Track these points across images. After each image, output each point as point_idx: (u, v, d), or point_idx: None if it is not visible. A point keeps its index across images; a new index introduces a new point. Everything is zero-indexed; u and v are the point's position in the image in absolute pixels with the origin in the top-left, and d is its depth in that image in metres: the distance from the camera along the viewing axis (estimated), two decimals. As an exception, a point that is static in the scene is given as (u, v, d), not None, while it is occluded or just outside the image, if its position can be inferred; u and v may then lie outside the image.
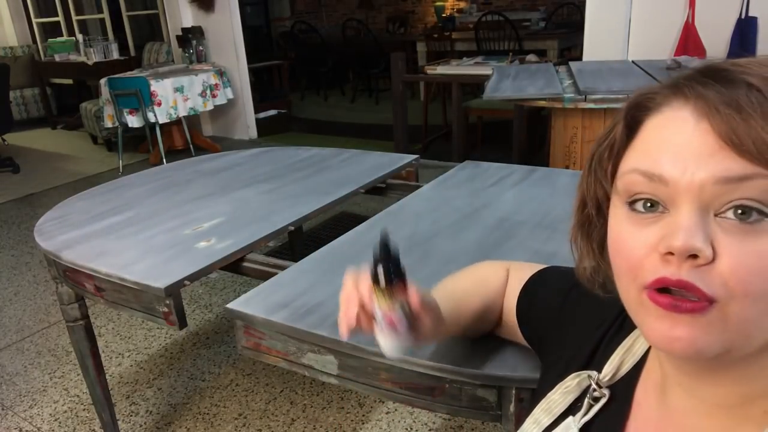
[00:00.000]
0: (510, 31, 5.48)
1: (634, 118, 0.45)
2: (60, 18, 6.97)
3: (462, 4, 8.23)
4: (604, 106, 2.24)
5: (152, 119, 4.50)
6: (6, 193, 4.49)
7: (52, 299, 2.75)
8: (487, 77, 2.84)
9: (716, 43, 3.14)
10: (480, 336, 0.83)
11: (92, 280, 1.28)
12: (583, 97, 2.22)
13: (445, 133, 4.83)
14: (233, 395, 2.01)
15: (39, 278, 3.01)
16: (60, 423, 1.94)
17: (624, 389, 0.53)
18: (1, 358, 2.33)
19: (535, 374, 0.78)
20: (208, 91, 4.84)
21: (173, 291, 1.14)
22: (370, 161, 1.87)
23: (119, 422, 1.86)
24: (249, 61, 5.50)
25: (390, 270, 0.60)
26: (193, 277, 1.17)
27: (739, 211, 0.38)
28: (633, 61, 2.95)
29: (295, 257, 1.27)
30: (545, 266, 0.75)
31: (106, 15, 6.61)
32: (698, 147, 0.39)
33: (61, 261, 1.32)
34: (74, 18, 6.86)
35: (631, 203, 0.43)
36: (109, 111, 4.65)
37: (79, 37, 6.39)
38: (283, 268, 1.19)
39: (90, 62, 5.72)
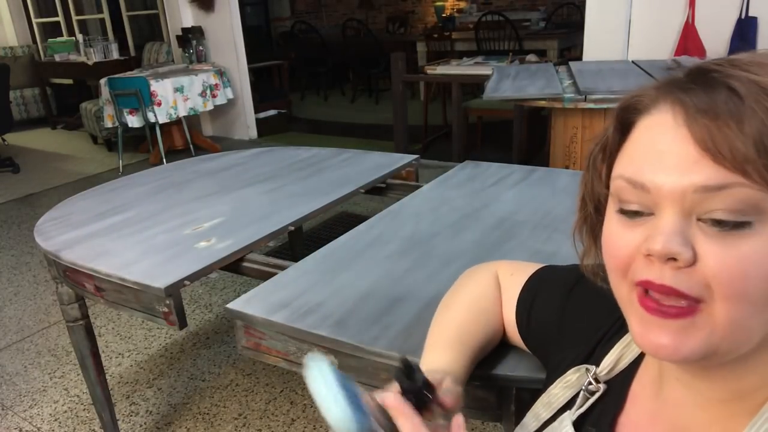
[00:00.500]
0: (510, 31, 5.48)
1: (625, 120, 0.46)
2: (60, 18, 6.97)
3: (462, 4, 8.23)
4: (604, 106, 2.23)
5: (152, 119, 4.50)
6: (6, 193, 4.49)
7: (52, 299, 2.75)
8: (487, 77, 2.84)
9: (716, 43, 3.15)
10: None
11: (92, 280, 1.28)
12: (583, 97, 2.22)
13: (445, 133, 4.83)
14: (233, 395, 2.01)
15: (39, 278, 3.01)
16: (60, 423, 1.94)
17: (621, 383, 0.54)
18: (1, 358, 2.33)
19: (535, 374, 0.78)
20: (208, 91, 4.84)
21: (173, 291, 1.14)
22: (370, 161, 1.87)
23: (119, 422, 1.86)
24: (249, 61, 5.50)
25: (424, 394, 0.54)
26: (193, 277, 1.17)
27: (717, 223, 0.38)
28: (633, 61, 2.95)
29: (295, 257, 1.27)
30: (537, 268, 0.73)
31: (106, 15, 6.61)
32: (678, 155, 0.40)
33: (61, 261, 1.32)
34: (74, 18, 6.86)
35: (620, 209, 0.44)
36: (109, 111, 4.65)
37: (79, 37, 6.39)
38: (283, 268, 1.19)
39: (90, 62, 5.73)
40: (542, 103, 2.35)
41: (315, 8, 9.49)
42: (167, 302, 1.14)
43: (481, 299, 0.75)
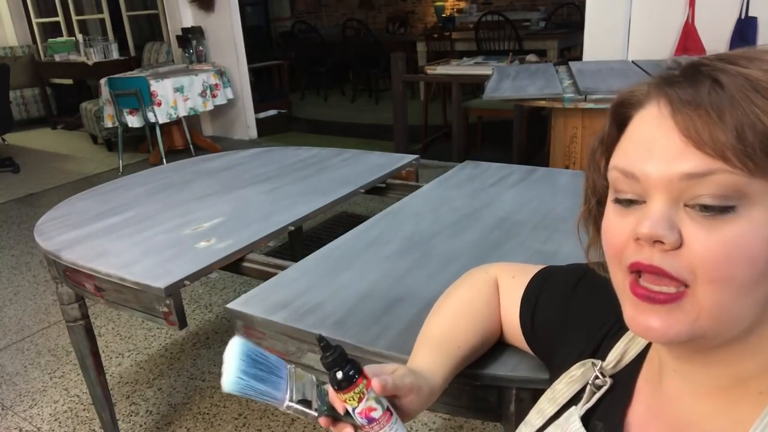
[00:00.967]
0: (510, 31, 5.48)
1: (620, 114, 0.48)
2: (60, 18, 6.97)
3: (462, 4, 8.23)
4: (604, 106, 2.23)
5: (152, 119, 4.50)
6: (6, 193, 4.49)
7: (52, 299, 2.75)
8: (487, 77, 2.84)
9: (716, 43, 3.14)
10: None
11: (92, 280, 1.28)
12: (583, 97, 2.22)
13: (445, 133, 4.83)
14: (233, 395, 2.01)
15: (39, 278, 3.01)
16: (60, 423, 1.94)
17: (626, 377, 0.54)
18: (1, 358, 2.33)
19: (535, 374, 0.78)
20: (208, 91, 4.84)
21: (173, 291, 1.14)
22: (370, 161, 1.87)
23: (119, 422, 1.86)
24: (249, 61, 5.50)
25: (346, 369, 0.59)
26: (193, 277, 1.17)
27: (703, 208, 0.40)
28: (633, 61, 2.95)
29: (295, 257, 1.27)
30: (538, 269, 0.73)
31: (106, 15, 6.61)
32: (665, 145, 0.42)
33: (61, 261, 1.32)
34: (74, 18, 6.86)
35: (615, 199, 0.46)
36: (109, 111, 4.65)
37: (79, 37, 6.39)
38: (283, 268, 1.19)
39: (90, 62, 5.73)
40: (542, 103, 2.35)
41: (315, 8, 9.49)
42: (167, 302, 1.14)
43: (474, 301, 0.75)
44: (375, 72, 6.83)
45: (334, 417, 0.61)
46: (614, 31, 3.47)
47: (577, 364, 0.58)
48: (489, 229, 1.25)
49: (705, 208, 0.40)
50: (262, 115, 5.72)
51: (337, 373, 0.58)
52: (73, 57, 6.19)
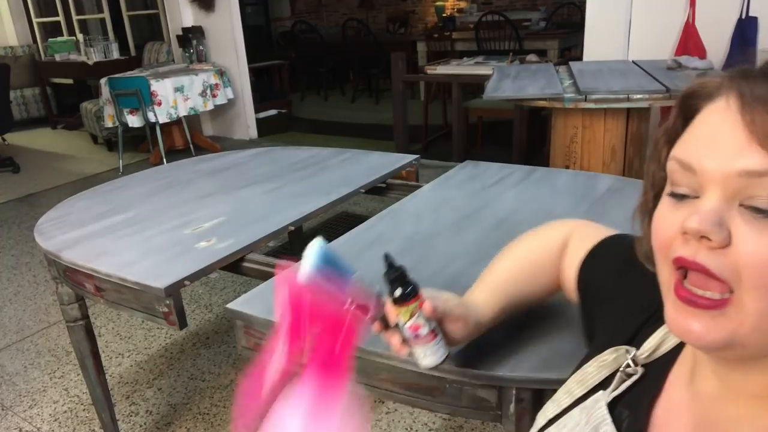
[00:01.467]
0: (510, 31, 5.48)
1: (689, 106, 0.47)
2: (60, 18, 6.97)
3: (462, 4, 8.23)
4: (604, 106, 2.24)
5: (152, 119, 4.50)
6: (6, 193, 4.49)
7: (52, 299, 2.75)
8: (487, 77, 2.84)
9: (716, 43, 3.14)
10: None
11: (92, 280, 1.28)
12: (584, 97, 2.22)
13: (445, 133, 4.83)
14: (233, 395, 2.01)
15: (39, 278, 3.01)
16: (60, 423, 1.94)
17: (659, 369, 0.53)
18: (1, 358, 2.33)
19: (535, 374, 0.78)
20: (208, 91, 4.84)
21: (173, 291, 1.14)
22: (370, 161, 1.87)
23: (119, 422, 1.86)
24: (249, 61, 5.50)
25: (405, 287, 0.67)
26: (193, 277, 1.17)
27: (756, 210, 0.39)
28: (633, 61, 2.95)
29: (295, 257, 1.27)
30: (606, 236, 0.74)
31: (106, 15, 6.61)
32: (728, 140, 0.41)
33: (61, 261, 1.32)
34: (74, 18, 6.86)
35: (671, 192, 0.45)
36: (109, 111, 4.65)
37: (80, 36, 6.39)
38: (283, 268, 1.18)
39: (90, 62, 5.73)
40: (542, 103, 2.36)
41: (315, 8, 9.49)
42: (167, 302, 1.14)
43: (537, 253, 0.80)
44: (375, 72, 6.83)
45: (386, 326, 0.70)
46: (614, 31, 3.47)
47: (611, 349, 0.57)
48: (489, 229, 1.25)
49: (758, 210, 0.39)
50: (262, 115, 5.72)
51: (396, 290, 0.67)
52: (73, 57, 6.19)
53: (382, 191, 1.77)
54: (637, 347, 0.56)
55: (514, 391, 0.80)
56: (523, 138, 3.90)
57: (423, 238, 1.23)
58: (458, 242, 1.20)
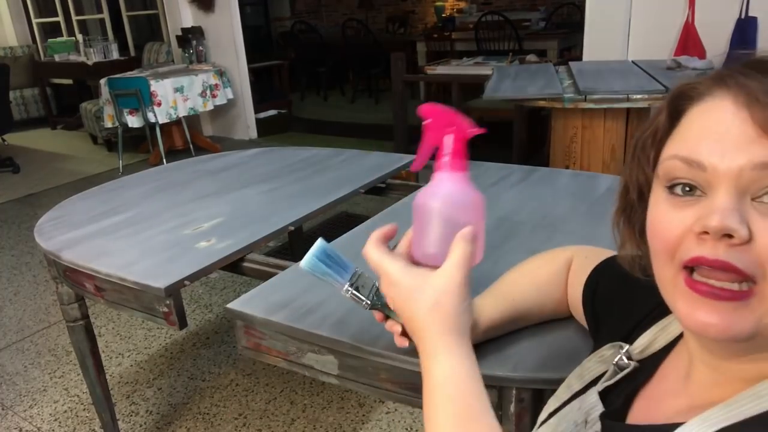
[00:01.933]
0: (510, 31, 5.48)
1: (677, 107, 0.47)
2: (60, 18, 6.97)
3: (462, 4, 8.23)
4: (604, 106, 2.24)
5: (152, 119, 4.50)
6: (6, 193, 4.49)
7: (52, 299, 2.75)
8: (487, 77, 2.84)
9: (716, 43, 3.14)
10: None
11: (92, 280, 1.28)
12: (583, 97, 2.22)
13: (445, 133, 4.82)
14: (233, 395, 2.01)
15: (39, 278, 3.01)
16: (60, 423, 1.94)
17: (651, 363, 0.55)
18: (1, 358, 2.33)
19: (535, 374, 0.78)
20: (208, 91, 4.84)
21: (173, 291, 1.14)
22: (370, 161, 1.87)
23: (119, 422, 1.86)
24: (249, 61, 5.50)
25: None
26: (193, 277, 1.17)
27: None
28: (633, 61, 2.95)
29: (295, 257, 1.27)
30: (610, 257, 0.75)
31: (106, 15, 6.61)
32: (737, 135, 0.41)
33: (61, 261, 1.32)
34: (74, 18, 6.86)
35: (671, 187, 0.44)
36: (109, 111, 4.65)
37: (79, 37, 6.39)
38: (283, 268, 1.19)
39: (90, 62, 5.73)
40: (542, 103, 2.36)
41: (315, 8, 9.48)
42: (167, 302, 1.14)
43: (540, 269, 0.82)
44: (375, 72, 6.83)
45: (387, 315, 0.71)
46: (614, 31, 3.47)
47: (608, 345, 0.59)
48: (489, 230, 1.24)
49: None
50: (262, 115, 5.72)
51: None
52: (73, 57, 6.19)
53: (382, 191, 1.77)
54: (632, 344, 0.57)
55: (514, 391, 0.80)
56: (523, 138, 3.90)
57: (423, 238, 1.23)
58: (458, 242, 1.20)
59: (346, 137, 5.45)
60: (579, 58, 3.92)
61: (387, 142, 4.62)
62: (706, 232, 0.41)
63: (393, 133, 4.41)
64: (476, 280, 0.90)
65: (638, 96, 2.19)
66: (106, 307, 2.57)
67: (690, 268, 0.43)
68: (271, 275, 1.15)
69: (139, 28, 6.88)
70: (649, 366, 0.55)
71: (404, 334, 0.70)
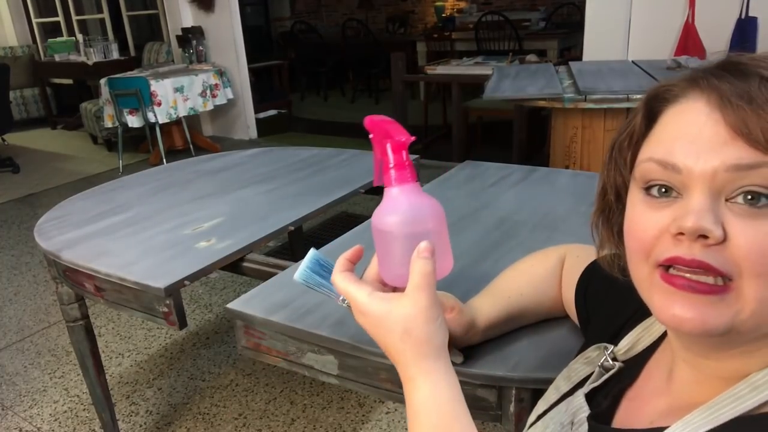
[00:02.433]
0: (510, 31, 5.48)
1: (652, 109, 0.47)
2: (60, 18, 6.97)
3: (462, 4, 8.23)
4: (604, 106, 2.24)
5: (152, 119, 4.50)
6: (6, 193, 4.49)
7: (52, 299, 2.75)
8: (487, 77, 2.84)
9: (716, 43, 3.15)
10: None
11: (92, 280, 1.28)
12: (583, 97, 2.22)
13: (445, 133, 4.83)
14: (233, 395, 2.01)
15: (39, 278, 3.01)
16: (60, 423, 1.94)
17: (636, 363, 0.55)
18: (1, 358, 2.33)
19: (535, 374, 0.78)
20: (208, 91, 4.84)
21: (173, 291, 1.14)
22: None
23: (119, 422, 1.86)
24: (249, 61, 5.50)
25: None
26: (193, 277, 1.17)
27: (749, 197, 0.40)
28: (633, 61, 2.95)
29: (295, 257, 1.27)
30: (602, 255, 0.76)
31: (106, 15, 6.61)
32: (711, 137, 0.41)
33: (61, 261, 1.32)
34: (74, 18, 6.86)
35: (647, 189, 0.45)
36: (109, 111, 4.65)
37: (79, 37, 6.39)
38: (283, 268, 1.19)
39: (90, 62, 5.72)
40: (542, 103, 2.35)
41: (315, 8, 9.48)
42: (167, 302, 1.14)
43: (535, 267, 0.83)
44: (375, 72, 6.83)
45: None
46: (614, 31, 3.47)
47: (594, 347, 0.59)
48: (489, 230, 1.25)
49: (751, 198, 0.40)
50: (262, 115, 5.72)
51: None
52: (73, 57, 6.19)
53: (382, 191, 1.77)
54: (616, 344, 0.58)
55: (514, 391, 0.80)
56: (523, 138, 3.90)
57: (423, 238, 1.23)
58: (458, 242, 1.20)
59: (346, 137, 5.45)
60: (579, 58, 3.92)
61: (387, 142, 4.61)
62: (682, 233, 0.41)
63: (393, 133, 4.40)
64: (476, 280, 0.91)
65: (638, 96, 2.19)
66: (106, 307, 2.57)
67: (666, 266, 0.43)
68: (271, 275, 1.15)
69: (139, 28, 6.88)
70: (634, 366, 0.55)
71: None
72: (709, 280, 0.41)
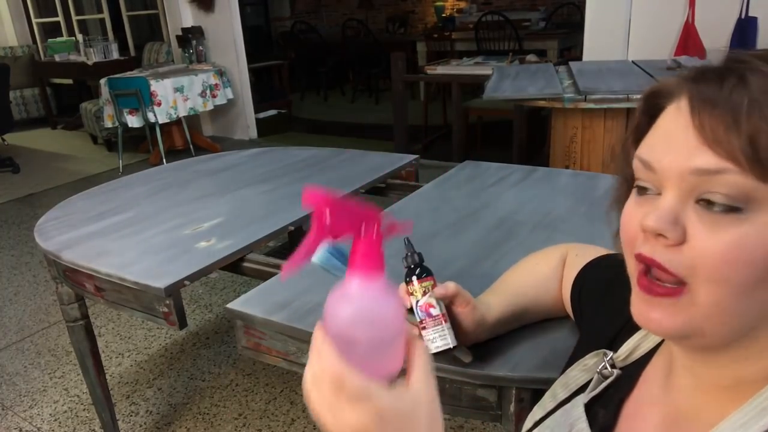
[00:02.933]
0: (510, 31, 5.48)
1: (652, 105, 0.48)
2: (60, 18, 6.97)
3: (462, 4, 8.23)
4: (604, 106, 2.24)
5: (152, 119, 4.50)
6: (6, 193, 4.49)
7: (52, 299, 2.75)
8: (487, 77, 2.84)
9: (716, 43, 3.14)
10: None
11: (92, 280, 1.28)
12: (583, 97, 2.22)
13: (445, 133, 4.83)
14: (233, 395, 2.01)
15: (39, 278, 3.01)
16: (60, 423, 1.94)
17: (634, 370, 0.55)
18: (1, 358, 2.33)
19: (535, 374, 0.78)
20: (208, 91, 4.84)
21: (173, 291, 1.14)
22: (370, 161, 1.87)
23: (119, 422, 1.86)
24: (249, 61, 5.50)
25: (421, 267, 0.75)
26: (193, 277, 1.17)
27: (708, 203, 0.41)
28: (633, 61, 2.95)
29: (295, 257, 1.27)
30: (598, 256, 0.77)
31: (106, 15, 6.61)
32: (682, 140, 0.42)
33: (61, 261, 1.32)
34: (74, 18, 6.86)
35: (636, 186, 0.47)
36: (109, 111, 4.65)
37: (79, 37, 6.39)
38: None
39: (90, 62, 5.72)
40: (542, 103, 2.35)
41: (315, 8, 9.48)
42: (167, 302, 1.14)
43: (538, 265, 0.86)
44: (375, 72, 6.83)
45: None
46: (614, 31, 3.47)
47: (591, 354, 0.59)
48: (489, 230, 1.25)
49: (711, 204, 0.40)
50: (262, 115, 5.72)
51: (413, 267, 0.75)
52: (73, 57, 6.19)
53: (382, 191, 1.77)
54: (616, 348, 0.58)
55: (514, 391, 0.80)
56: (523, 138, 3.90)
57: (423, 238, 1.23)
58: (458, 242, 1.20)
59: (346, 137, 5.45)
60: (579, 58, 3.92)
61: (387, 142, 4.62)
62: (645, 231, 0.43)
63: (393, 133, 4.41)
64: (477, 280, 0.91)
65: (638, 96, 2.18)
66: (106, 307, 2.57)
67: (646, 264, 0.44)
68: (271, 275, 1.15)
69: (139, 28, 6.88)
70: (632, 373, 0.55)
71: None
72: (667, 285, 0.42)
